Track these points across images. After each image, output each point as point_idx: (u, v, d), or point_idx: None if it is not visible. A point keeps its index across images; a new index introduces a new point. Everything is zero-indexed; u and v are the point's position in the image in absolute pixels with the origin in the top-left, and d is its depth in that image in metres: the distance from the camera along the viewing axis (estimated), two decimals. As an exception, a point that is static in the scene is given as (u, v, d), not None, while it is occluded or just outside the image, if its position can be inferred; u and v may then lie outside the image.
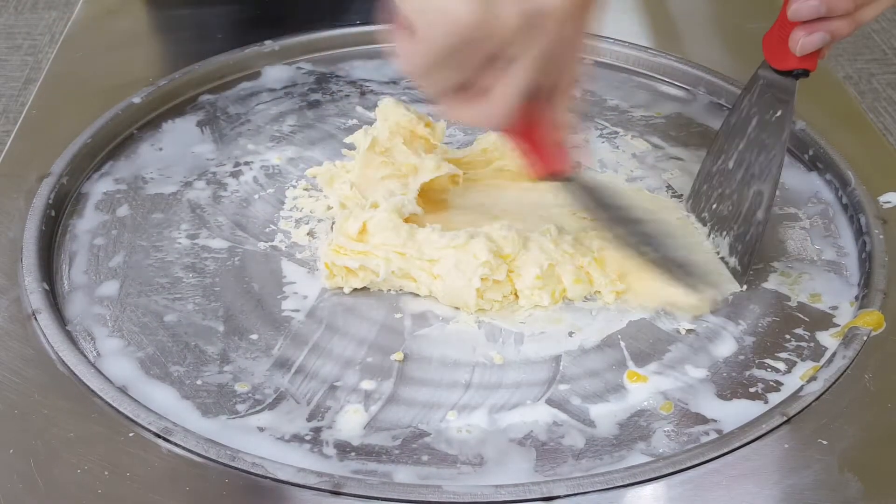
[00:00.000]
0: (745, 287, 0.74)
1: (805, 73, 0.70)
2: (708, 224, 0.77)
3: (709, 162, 0.78)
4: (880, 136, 0.90)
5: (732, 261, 0.74)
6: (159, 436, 0.60)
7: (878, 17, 2.15)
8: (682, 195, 0.82)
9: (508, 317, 0.71)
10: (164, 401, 0.64)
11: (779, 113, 0.72)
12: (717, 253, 0.76)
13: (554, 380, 0.67)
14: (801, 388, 0.65)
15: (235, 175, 0.84)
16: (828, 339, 0.70)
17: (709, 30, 1.09)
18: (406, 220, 0.73)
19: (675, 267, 0.71)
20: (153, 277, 0.73)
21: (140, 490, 0.57)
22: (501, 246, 0.71)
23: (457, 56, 0.56)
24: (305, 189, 0.82)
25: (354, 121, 0.91)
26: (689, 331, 0.70)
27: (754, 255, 0.73)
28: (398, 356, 0.68)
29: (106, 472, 0.58)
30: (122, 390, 0.64)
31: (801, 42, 0.67)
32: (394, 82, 0.96)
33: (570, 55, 0.61)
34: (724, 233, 0.75)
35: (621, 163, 0.87)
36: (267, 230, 0.78)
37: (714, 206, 0.77)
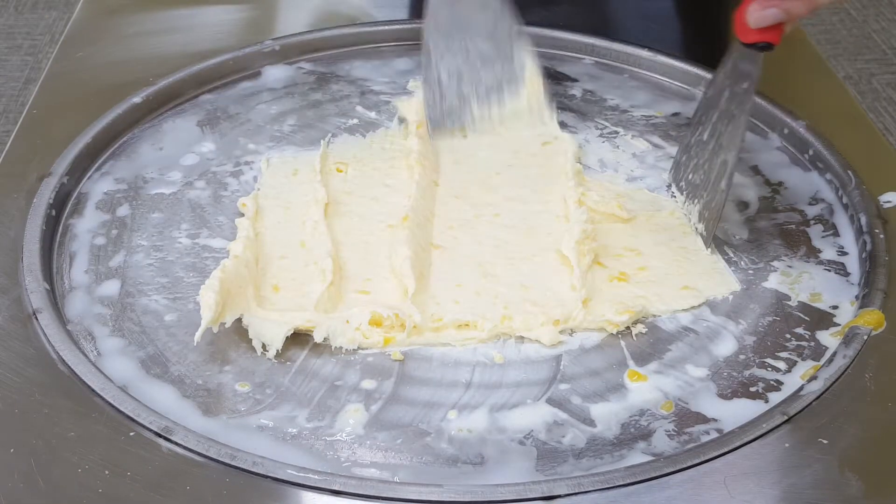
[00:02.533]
0: (711, 251, 0.76)
1: (769, 47, 0.73)
2: (683, 193, 0.81)
3: (689, 134, 0.82)
4: (880, 136, 0.91)
5: (700, 227, 0.78)
6: (160, 435, 0.60)
7: (878, 17, 2.15)
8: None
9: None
10: (164, 400, 0.64)
11: (745, 84, 0.75)
12: (689, 220, 0.79)
13: (554, 379, 0.67)
14: (801, 388, 0.65)
15: (236, 175, 0.84)
16: (828, 338, 0.70)
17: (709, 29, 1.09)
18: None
19: None
20: (154, 277, 0.74)
21: (141, 489, 0.57)
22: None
23: None
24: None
25: (355, 120, 0.91)
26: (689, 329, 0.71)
27: (717, 221, 0.76)
28: (398, 355, 0.68)
29: (106, 472, 0.58)
30: (123, 389, 0.64)
31: (755, 16, 0.71)
32: (393, 82, 0.96)
33: None
34: (696, 200, 0.79)
35: (621, 162, 0.87)
36: (267, 230, 0.78)
37: (690, 175, 0.80)
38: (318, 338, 0.68)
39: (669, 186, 0.83)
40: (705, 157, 0.78)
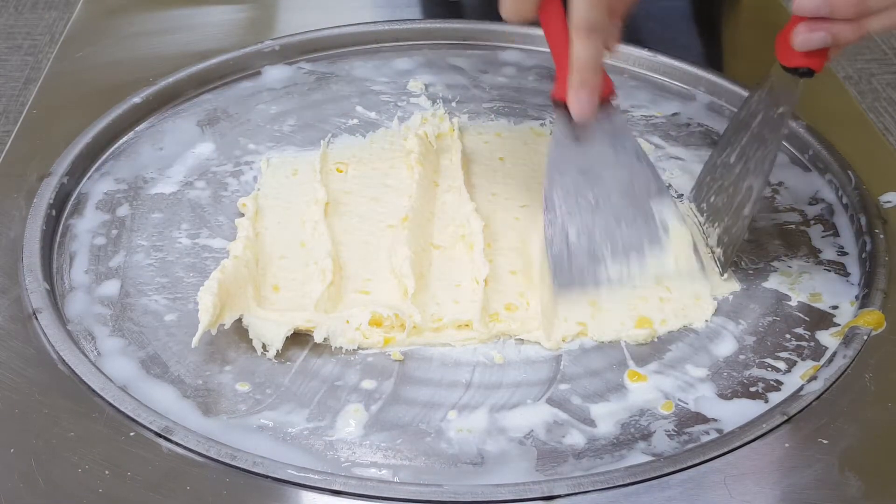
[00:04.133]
0: (729, 277, 0.75)
1: (810, 73, 0.70)
2: (704, 214, 0.79)
3: (715, 155, 0.80)
4: (880, 136, 0.91)
5: (718, 251, 0.76)
6: (160, 435, 0.60)
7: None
8: (682, 195, 0.82)
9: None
10: (164, 400, 0.64)
11: (780, 110, 0.72)
12: (707, 242, 0.77)
13: (554, 379, 0.67)
14: (801, 388, 0.65)
15: (236, 175, 0.84)
16: (828, 338, 0.70)
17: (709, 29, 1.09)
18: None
19: None
20: (154, 277, 0.74)
21: (141, 489, 0.57)
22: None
23: None
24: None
25: (355, 121, 0.91)
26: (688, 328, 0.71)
27: (736, 247, 0.74)
28: (398, 355, 0.68)
29: (107, 472, 0.58)
30: (123, 390, 0.64)
31: (801, 38, 0.68)
32: (393, 82, 0.96)
33: None
34: (716, 223, 0.77)
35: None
36: (267, 230, 0.78)
37: (712, 198, 0.78)
38: (318, 338, 0.68)
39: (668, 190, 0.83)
40: (731, 181, 0.76)
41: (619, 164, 0.73)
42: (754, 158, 0.74)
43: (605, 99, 0.72)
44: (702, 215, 0.79)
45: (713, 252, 0.76)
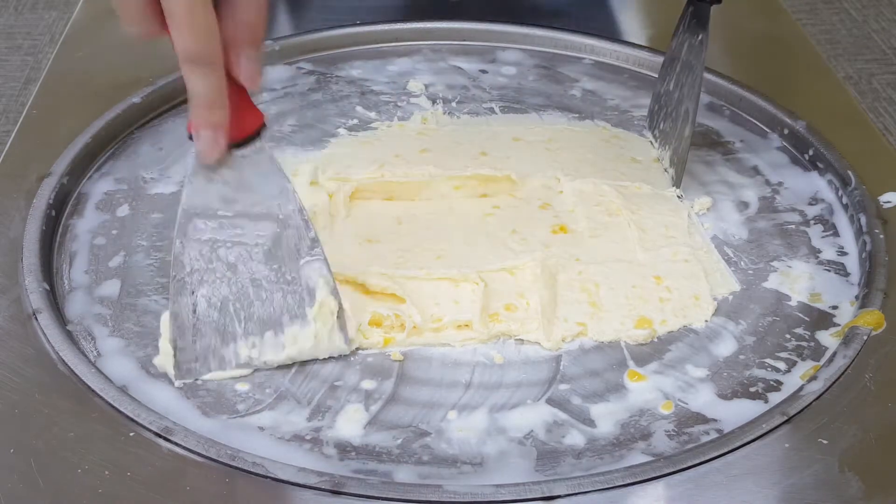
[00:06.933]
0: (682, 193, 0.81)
1: (718, 0, 0.80)
2: (657, 140, 0.87)
3: (658, 85, 0.88)
4: (880, 136, 0.91)
5: (671, 171, 0.84)
6: (160, 435, 0.60)
7: (878, 17, 2.14)
8: (681, 195, 0.82)
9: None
10: (164, 400, 0.64)
11: (700, 37, 0.81)
12: (661, 162, 0.86)
13: (554, 379, 0.67)
14: (801, 388, 0.65)
15: (236, 175, 0.84)
16: (828, 338, 0.70)
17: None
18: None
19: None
20: (153, 277, 0.74)
21: (140, 490, 0.57)
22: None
23: None
24: (313, 184, 0.81)
25: (355, 121, 0.91)
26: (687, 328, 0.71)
27: (684, 165, 0.82)
28: (398, 356, 0.68)
29: (106, 472, 0.58)
30: (123, 390, 0.64)
31: None
32: (393, 82, 0.96)
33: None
34: (667, 146, 0.85)
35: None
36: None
37: (661, 124, 0.87)
38: None
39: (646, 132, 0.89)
40: (672, 106, 0.84)
41: (265, 217, 0.63)
42: (687, 84, 0.82)
43: (247, 136, 0.62)
44: (656, 141, 0.87)
45: (668, 172, 0.84)
